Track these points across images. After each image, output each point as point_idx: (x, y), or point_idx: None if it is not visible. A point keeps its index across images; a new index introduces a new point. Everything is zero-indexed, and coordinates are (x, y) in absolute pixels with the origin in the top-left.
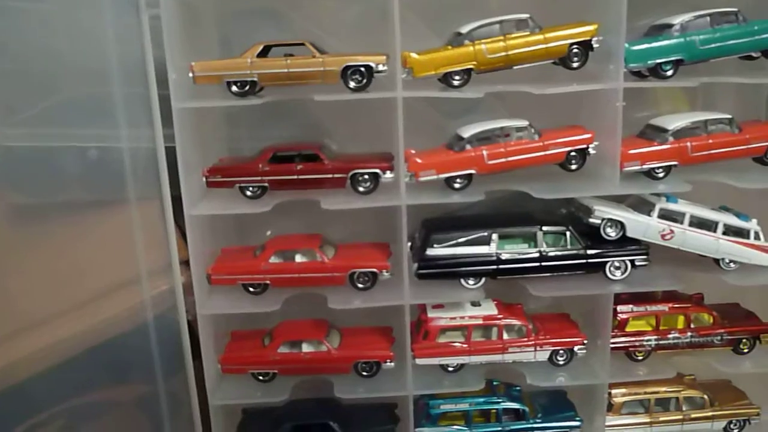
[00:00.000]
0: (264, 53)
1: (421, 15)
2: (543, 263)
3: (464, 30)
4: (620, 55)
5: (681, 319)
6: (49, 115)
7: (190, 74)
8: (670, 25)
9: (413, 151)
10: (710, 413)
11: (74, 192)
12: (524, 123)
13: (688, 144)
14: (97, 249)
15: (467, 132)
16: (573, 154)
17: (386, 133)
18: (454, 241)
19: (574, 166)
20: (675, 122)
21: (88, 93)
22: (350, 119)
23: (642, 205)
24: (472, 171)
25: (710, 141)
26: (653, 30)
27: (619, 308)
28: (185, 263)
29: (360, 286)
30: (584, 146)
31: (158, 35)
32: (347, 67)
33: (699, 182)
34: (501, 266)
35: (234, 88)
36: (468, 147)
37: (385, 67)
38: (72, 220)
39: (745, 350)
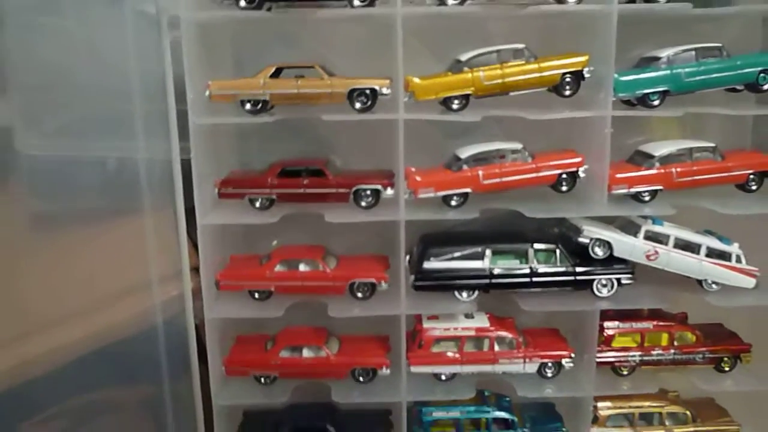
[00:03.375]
0: (276, 74)
1: (423, 40)
2: (533, 279)
3: (464, 57)
4: (609, 84)
5: (665, 336)
6: (72, 128)
7: (207, 93)
8: (658, 58)
9: (413, 169)
10: (692, 429)
11: (91, 200)
12: (518, 146)
13: (674, 170)
14: (111, 255)
15: (464, 153)
16: (564, 176)
17: (388, 151)
18: (449, 256)
19: (564, 188)
20: (661, 149)
21: (109, 107)
22: (355, 138)
23: (629, 227)
24: (468, 190)
25: (695, 168)
26: (642, 62)
27: (606, 324)
28: (194, 270)
29: (359, 295)
30: (575, 169)
31: (175, 53)
32: (353, 90)
33: (683, 207)
34: (493, 280)
35: (247, 106)
36: (465, 167)
37: (389, 91)
38: (88, 227)
39: (727, 369)
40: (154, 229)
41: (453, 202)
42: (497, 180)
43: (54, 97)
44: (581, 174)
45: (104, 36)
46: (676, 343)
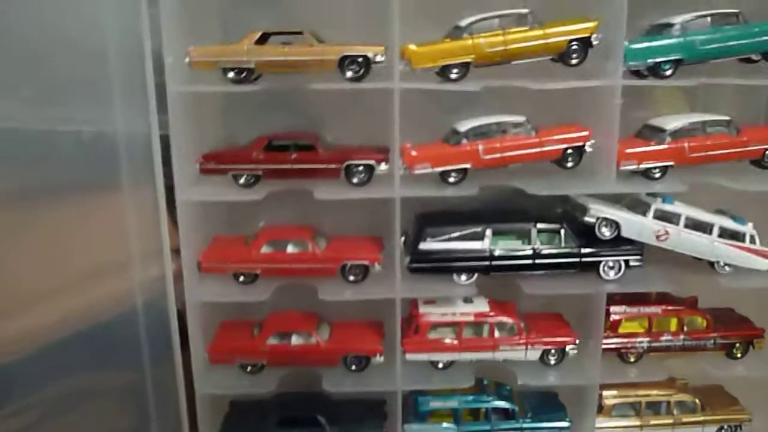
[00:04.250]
0: (262, 41)
1: (420, 7)
2: (536, 260)
3: (463, 23)
4: (620, 52)
5: (674, 321)
6: (43, 96)
7: (187, 59)
8: (671, 25)
9: (409, 144)
10: (701, 418)
11: (66, 175)
12: (521, 119)
13: (686, 144)
14: (86, 233)
15: (464, 126)
16: (569, 151)
17: (382, 127)
18: (447, 236)
19: (570, 164)
20: (673, 122)
21: (84, 75)
22: (347, 112)
23: (638, 206)
24: (467, 165)
25: (708, 142)
26: (654, 29)
27: (612, 309)
28: (176, 252)
29: (351, 278)
30: (581, 144)
31: (154, 22)
32: (345, 57)
33: (695, 184)
34: (494, 262)
35: (230, 75)
36: (464, 141)
37: (383, 58)
38: (61, 203)
39: (738, 355)
40: (132, 206)
41: (451, 179)
42: (498, 155)
43: (22, 67)
44: (588, 149)
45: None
46: (685, 329)
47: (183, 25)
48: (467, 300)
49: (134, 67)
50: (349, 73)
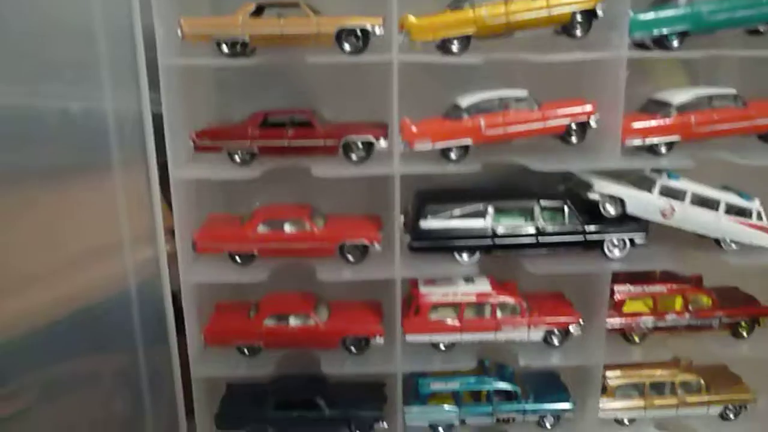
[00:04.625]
0: (257, 13)
1: None
2: (540, 239)
3: None
4: (625, 23)
5: (679, 300)
6: (28, 73)
7: (179, 31)
8: None
9: (408, 120)
10: (706, 398)
11: (55, 154)
12: (524, 93)
13: (692, 118)
14: (77, 214)
15: (465, 101)
16: (573, 126)
17: (381, 103)
18: (448, 214)
19: (574, 139)
20: (679, 96)
21: (72, 51)
22: (344, 87)
23: (642, 182)
24: (469, 141)
25: (715, 116)
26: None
27: (616, 288)
28: (171, 233)
29: (350, 258)
30: (585, 119)
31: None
32: (342, 30)
33: (702, 160)
34: (497, 241)
35: (224, 48)
36: (465, 116)
37: (382, 30)
38: (50, 183)
39: (744, 334)
40: (124, 185)
41: (452, 155)
42: (500, 130)
43: (7, 40)
44: (593, 124)
45: None
46: (690, 308)
47: None
48: (468, 279)
49: (124, 42)
50: (347, 47)
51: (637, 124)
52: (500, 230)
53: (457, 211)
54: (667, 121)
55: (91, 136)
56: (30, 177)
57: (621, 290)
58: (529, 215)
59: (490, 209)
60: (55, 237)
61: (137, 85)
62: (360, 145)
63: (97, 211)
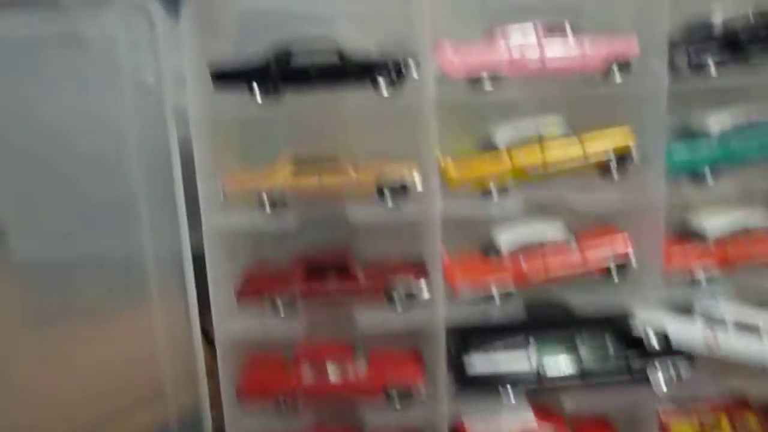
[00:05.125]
0: (296, 166)
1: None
2: (584, 378)
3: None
4: (661, 162)
5: (725, 421)
6: (68, 227)
7: (221, 190)
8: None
9: (447, 259)
10: None
11: (92, 299)
12: (561, 230)
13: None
14: (115, 356)
15: (503, 238)
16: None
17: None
18: (491, 353)
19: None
20: (715, 226)
21: (109, 202)
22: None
23: (683, 307)
24: (512, 287)
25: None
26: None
27: (661, 409)
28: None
29: (397, 407)
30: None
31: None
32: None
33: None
34: (543, 384)
35: (267, 210)
36: (505, 255)
37: (421, 187)
38: (89, 327)
39: None
40: (164, 328)
41: (496, 301)
42: (542, 273)
43: (48, 198)
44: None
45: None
46: (738, 429)
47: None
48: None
49: (163, 186)
50: (388, 202)
51: (679, 259)
52: (545, 371)
53: (500, 350)
54: (707, 251)
55: (129, 279)
56: (69, 322)
57: (666, 411)
58: (572, 348)
59: (533, 348)
60: (91, 379)
61: (176, 225)
62: (403, 293)
63: (135, 353)
